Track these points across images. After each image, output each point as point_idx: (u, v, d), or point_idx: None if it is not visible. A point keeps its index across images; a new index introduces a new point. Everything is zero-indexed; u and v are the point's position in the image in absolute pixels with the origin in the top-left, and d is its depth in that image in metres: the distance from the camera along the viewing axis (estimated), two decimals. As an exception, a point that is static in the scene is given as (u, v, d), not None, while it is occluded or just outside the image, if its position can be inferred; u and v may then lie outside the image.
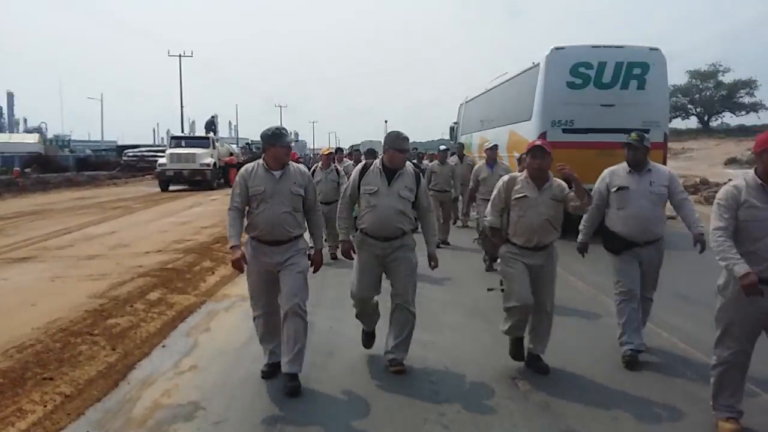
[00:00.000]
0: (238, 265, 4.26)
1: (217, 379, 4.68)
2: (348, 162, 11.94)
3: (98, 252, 10.06)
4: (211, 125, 32.94)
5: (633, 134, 4.96)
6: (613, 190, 4.93)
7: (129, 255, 9.75)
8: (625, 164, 4.99)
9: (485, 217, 4.85)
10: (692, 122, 71.69)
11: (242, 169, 4.49)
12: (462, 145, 14.06)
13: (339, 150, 12.24)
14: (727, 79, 67.19)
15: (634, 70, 11.26)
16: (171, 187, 26.59)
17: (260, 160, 4.45)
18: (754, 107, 65.39)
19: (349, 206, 4.89)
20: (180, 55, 50.81)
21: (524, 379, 4.63)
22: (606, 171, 5.10)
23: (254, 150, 37.22)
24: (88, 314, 6.20)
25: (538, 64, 11.59)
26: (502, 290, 4.76)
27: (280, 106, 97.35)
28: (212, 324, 6.26)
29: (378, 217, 4.58)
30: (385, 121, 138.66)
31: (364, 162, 5.13)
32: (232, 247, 4.29)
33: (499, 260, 4.85)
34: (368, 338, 5.16)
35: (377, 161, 4.78)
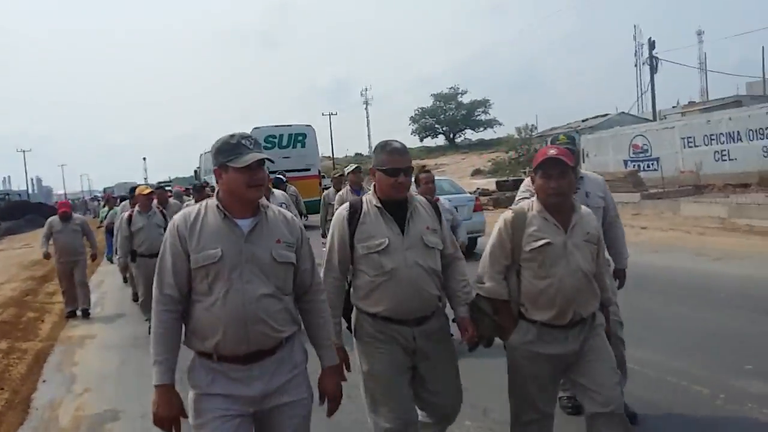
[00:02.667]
0: (170, 427, 2.36)
1: (117, 392, 5.63)
2: (175, 202, 10.43)
3: None
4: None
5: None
6: None
7: (-59, 317, 9.60)
8: None
9: (480, 282, 3.03)
10: (440, 140, 79.83)
11: (175, 219, 2.44)
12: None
13: (160, 188, 10.16)
14: (465, 99, 76.46)
15: (298, 137, 19.40)
16: None
17: (211, 200, 2.44)
18: (490, 123, 75.20)
19: (341, 287, 3.03)
20: None
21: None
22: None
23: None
24: (-48, 368, 6.56)
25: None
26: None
27: (23, 151, 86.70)
28: (76, 359, 6.98)
29: (401, 289, 2.85)
30: (144, 159, 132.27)
31: (345, 203, 3.12)
32: (159, 387, 2.34)
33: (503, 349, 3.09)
34: None
35: (367, 197, 3.03)
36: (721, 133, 20.63)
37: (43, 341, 7.85)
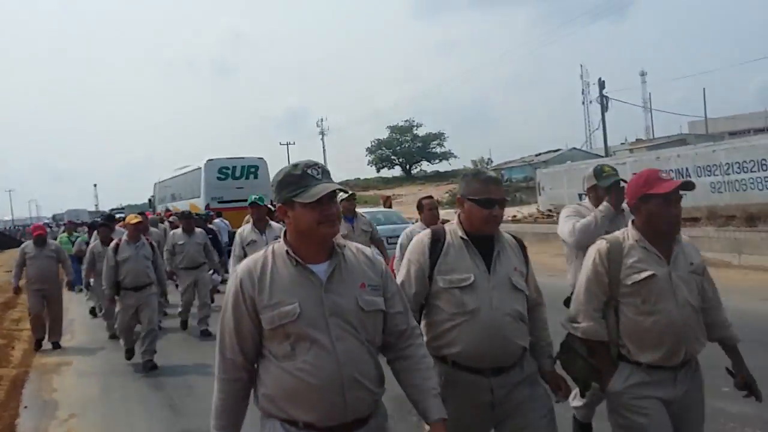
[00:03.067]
0: None
1: (105, 418, 5.67)
2: (154, 230, 10.72)
3: None
4: None
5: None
6: None
7: None
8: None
9: (574, 322, 2.73)
10: (397, 171, 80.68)
11: (239, 273, 2.07)
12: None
13: (111, 215, 11.07)
14: (420, 132, 77.74)
15: (251, 169, 19.77)
16: None
17: (278, 245, 2.13)
18: (445, 155, 76.57)
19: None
20: None
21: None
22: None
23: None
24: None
25: (200, 167, 19.66)
26: None
27: None
28: (55, 385, 6.95)
29: (483, 332, 2.52)
30: (95, 185, 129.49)
31: (427, 230, 2.83)
32: None
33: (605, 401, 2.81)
34: None
35: (451, 226, 2.75)
36: (671, 170, 21.60)
37: (16, 368, 7.76)
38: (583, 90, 66.94)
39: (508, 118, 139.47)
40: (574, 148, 50.84)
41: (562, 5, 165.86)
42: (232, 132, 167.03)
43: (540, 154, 52.14)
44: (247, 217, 6.94)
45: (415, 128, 78.32)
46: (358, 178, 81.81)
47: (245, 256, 6.21)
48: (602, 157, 36.50)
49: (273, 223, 6.42)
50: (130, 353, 7.43)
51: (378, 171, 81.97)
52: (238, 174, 19.54)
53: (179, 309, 9.26)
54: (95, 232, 9.76)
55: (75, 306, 12.18)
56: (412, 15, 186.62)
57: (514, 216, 29.87)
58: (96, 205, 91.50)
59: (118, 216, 18.35)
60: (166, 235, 10.08)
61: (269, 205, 6.63)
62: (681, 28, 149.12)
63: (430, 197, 6.03)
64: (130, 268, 7.09)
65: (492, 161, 53.93)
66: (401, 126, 78.56)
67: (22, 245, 9.14)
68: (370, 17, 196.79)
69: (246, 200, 6.93)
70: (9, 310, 12.05)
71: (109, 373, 7.25)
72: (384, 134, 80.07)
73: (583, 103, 67.68)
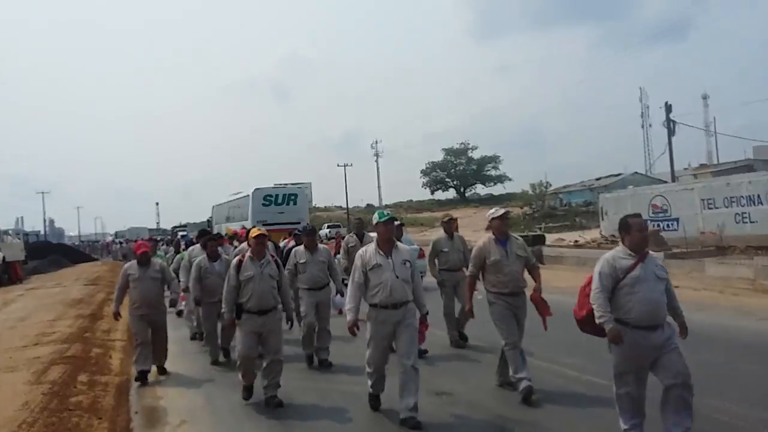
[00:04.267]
0: None
1: (216, 427, 5.96)
2: (229, 247, 11.02)
3: (-30, 350, 10.03)
4: (-10, 217, 30.68)
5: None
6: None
7: (7, 350, 9.93)
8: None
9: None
10: (451, 193, 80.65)
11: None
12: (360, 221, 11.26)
13: (175, 233, 10.87)
14: (475, 155, 77.74)
15: (291, 197, 23.61)
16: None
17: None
18: (500, 179, 76.35)
19: None
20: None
21: None
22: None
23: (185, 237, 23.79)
24: (45, 397, 6.88)
25: (249, 195, 23.56)
26: None
27: (43, 193, 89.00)
28: (159, 393, 7.29)
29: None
30: (157, 204, 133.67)
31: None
32: None
33: None
34: None
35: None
36: (741, 196, 21.22)
37: (118, 376, 8.17)
38: (642, 113, 66.02)
39: (564, 141, 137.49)
40: (636, 173, 50.05)
41: (622, 28, 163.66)
42: (290, 153, 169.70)
43: (600, 178, 51.47)
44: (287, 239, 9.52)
45: (470, 151, 78.54)
46: (411, 200, 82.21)
47: (296, 270, 8.04)
48: (665, 182, 35.86)
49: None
50: (248, 392, 6.57)
51: (432, 193, 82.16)
52: (280, 201, 23.30)
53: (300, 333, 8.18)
54: (191, 248, 10.09)
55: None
56: (471, 36, 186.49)
57: (576, 241, 29.57)
58: (157, 223, 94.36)
59: (181, 234, 19.18)
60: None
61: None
62: (744, 51, 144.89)
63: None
64: (253, 288, 6.33)
65: (550, 184, 53.47)
66: (456, 148, 78.84)
67: (125, 266, 8.12)
68: (428, 39, 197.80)
69: (286, 223, 7.88)
70: (97, 322, 12.60)
71: (207, 382, 7.61)
72: (439, 157, 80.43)
73: (642, 126, 66.71)
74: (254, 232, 6.68)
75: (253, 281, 6.35)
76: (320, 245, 8.42)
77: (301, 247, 8.25)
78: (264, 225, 20.08)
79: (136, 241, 21.12)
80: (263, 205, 22.86)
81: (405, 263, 5.58)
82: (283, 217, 22.27)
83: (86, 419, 6.15)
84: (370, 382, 5.87)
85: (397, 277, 5.48)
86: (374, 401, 5.94)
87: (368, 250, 5.73)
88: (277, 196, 23.33)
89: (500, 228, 6.22)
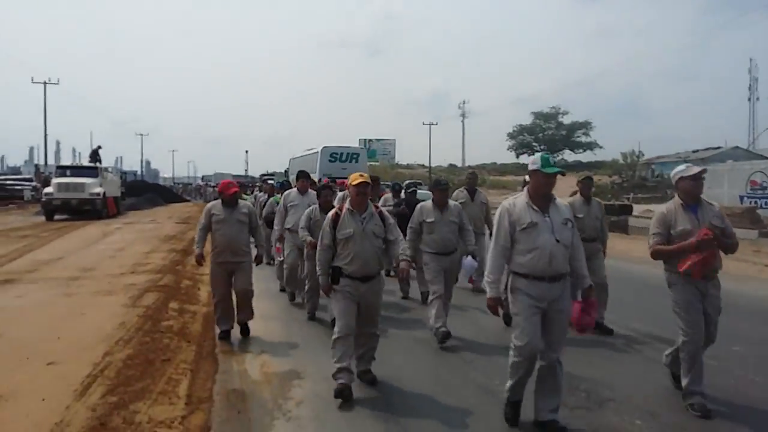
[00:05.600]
0: None
1: (295, 357, 6.30)
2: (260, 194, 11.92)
3: (75, 274, 10.91)
4: (95, 155, 32.60)
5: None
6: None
7: (107, 276, 10.72)
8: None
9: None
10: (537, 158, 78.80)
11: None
12: (474, 174, 10.42)
13: (264, 180, 9.87)
14: (566, 120, 75.44)
15: (353, 156, 25.64)
16: (56, 217, 26.29)
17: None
18: (590, 146, 74.00)
19: None
20: (45, 83, 49.53)
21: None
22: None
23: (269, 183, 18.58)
24: (140, 319, 7.45)
25: (318, 151, 25.35)
26: None
27: (141, 135, 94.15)
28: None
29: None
30: (246, 151, 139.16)
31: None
32: None
33: None
34: None
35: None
36: None
37: (206, 306, 8.70)
38: (750, 86, 61.97)
39: (663, 111, 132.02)
40: (738, 147, 47.27)
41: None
42: (377, 110, 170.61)
43: (698, 150, 48.99)
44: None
45: (560, 116, 76.29)
46: (495, 163, 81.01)
47: (420, 230, 7.15)
48: (767, 158, 33.75)
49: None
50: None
51: (517, 156, 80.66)
52: (344, 158, 25.49)
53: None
54: (286, 192, 9.14)
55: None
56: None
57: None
58: (246, 170, 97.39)
59: (269, 181, 19.58)
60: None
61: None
62: None
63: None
64: (354, 249, 5.21)
65: (643, 154, 51.31)
66: (546, 113, 76.71)
67: (208, 205, 7.28)
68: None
69: (346, 177, 7.60)
70: (188, 256, 13.31)
71: (289, 319, 8.02)
72: (527, 121, 78.60)
73: (749, 99, 62.69)
74: (355, 179, 5.32)
75: (353, 240, 5.21)
76: (451, 202, 7.20)
77: (429, 203, 7.11)
78: (329, 178, 22.30)
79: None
80: (329, 161, 25.28)
81: (566, 223, 4.37)
82: (346, 172, 24.11)
83: (176, 341, 6.64)
84: (510, 383, 4.50)
85: (558, 241, 4.27)
86: (513, 410, 4.59)
87: (517, 204, 4.45)
88: (341, 154, 25.87)
89: (692, 191, 4.89)
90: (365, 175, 5.35)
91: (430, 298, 6.89)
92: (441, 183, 7.30)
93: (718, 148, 47.86)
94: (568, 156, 77.36)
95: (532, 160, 4.47)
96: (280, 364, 6.04)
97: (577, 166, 65.91)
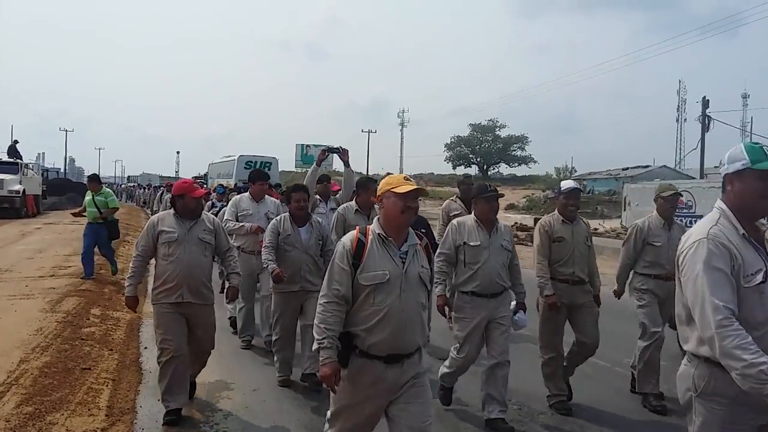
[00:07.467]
0: None
1: (222, 367, 6.04)
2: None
3: (-12, 276, 10.24)
4: (14, 150, 30.82)
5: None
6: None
7: (25, 279, 10.11)
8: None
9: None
10: (473, 170, 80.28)
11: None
12: (471, 182, 8.34)
13: (199, 180, 9.86)
14: (503, 133, 76.98)
15: (266, 164, 27.81)
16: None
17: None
18: (525, 160, 75.61)
19: None
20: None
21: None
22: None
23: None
24: (59, 325, 7.01)
25: (235, 159, 29.01)
26: None
27: (66, 131, 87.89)
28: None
29: None
30: (177, 152, 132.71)
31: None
32: None
33: None
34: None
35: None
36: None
37: (129, 313, 8.26)
38: (678, 107, 64.86)
39: (595, 128, 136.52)
40: (665, 167, 49.32)
41: (670, 18, 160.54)
42: (316, 115, 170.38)
43: (627, 168, 50.84)
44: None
45: (497, 129, 77.71)
46: (432, 173, 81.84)
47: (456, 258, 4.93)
48: (694, 178, 35.31)
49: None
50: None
51: (454, 168, 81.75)
52: (258, 166, 25.56)
53: None
54: (235, 197, 7.62)
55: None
56: (512, 13, 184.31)
57: (596, 229, 29.29)
58: (176, 171, 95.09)
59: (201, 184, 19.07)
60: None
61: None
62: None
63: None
64: (391, 307, 3.04)
65: (575, 170, 52.92)
66: (484, 125, 78.05)
67: (153, 219, 4.92)
68: (467, 12, 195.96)
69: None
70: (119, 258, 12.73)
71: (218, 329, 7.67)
72: (465, 132, 79.77)
73: (677, 120, 65.61)
74: (398, 182, 3.15)
75: (387, 290, 3.03)
76: (500, 222, 4.94)
77: (468, 219, 4.91)
78: (243, 183, 22.82)
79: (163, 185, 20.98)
80: (245, 168, 27.45)
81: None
82: None
83: (97, 349, 6.28)
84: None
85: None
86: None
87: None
88: (256, 162, 28.35)
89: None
90: (412, 179, 3.19)
91: (453, 363, 4.92)
92: (490, 189, 4.85)
93: (648, 166, 49.78)
94: (504, 169, 78.98)
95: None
96: (207, 375, 5.75)
97: (511, 180, 67.42)
